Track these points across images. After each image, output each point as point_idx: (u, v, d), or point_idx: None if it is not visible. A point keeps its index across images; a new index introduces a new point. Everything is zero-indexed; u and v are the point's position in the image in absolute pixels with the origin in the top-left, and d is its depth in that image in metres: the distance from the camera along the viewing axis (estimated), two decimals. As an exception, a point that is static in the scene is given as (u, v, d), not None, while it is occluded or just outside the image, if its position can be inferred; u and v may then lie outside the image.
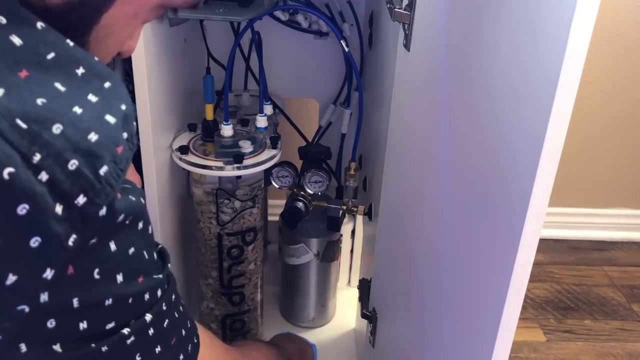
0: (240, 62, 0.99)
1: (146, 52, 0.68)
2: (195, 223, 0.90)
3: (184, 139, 0.86)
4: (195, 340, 0.46)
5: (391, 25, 0.67)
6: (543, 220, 0.30)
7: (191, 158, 0.81)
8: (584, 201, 1.66)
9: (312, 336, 1.07)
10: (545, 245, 1.63)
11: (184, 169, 0.83)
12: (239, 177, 0.85)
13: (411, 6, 0.55)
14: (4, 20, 0.29)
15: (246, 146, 0.83)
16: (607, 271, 1.54)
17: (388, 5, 0.63)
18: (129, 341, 0.37)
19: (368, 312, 0.81)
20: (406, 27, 0.57)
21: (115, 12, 0.36)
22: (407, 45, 0.58)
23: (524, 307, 0.35)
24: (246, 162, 0.81)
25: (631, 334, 1.32)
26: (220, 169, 0.80)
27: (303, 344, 0.91)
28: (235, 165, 0.80)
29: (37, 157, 0.28)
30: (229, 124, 0.85)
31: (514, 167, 0.32)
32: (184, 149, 0.82)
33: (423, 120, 0.54)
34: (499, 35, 0.36)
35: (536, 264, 0.35)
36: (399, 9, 0.58)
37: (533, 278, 1.38)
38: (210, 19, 0.92)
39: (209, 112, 0.85)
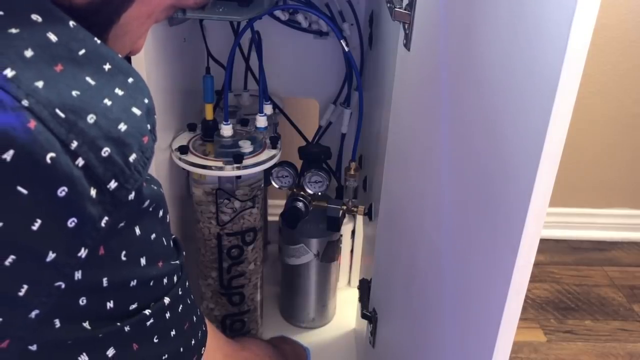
0: (240, 61, 0.98)
1: (145, 51, 0.68)
2: (195, 223, 0.90)
3: (183, 139, 0.86)
4: (204, 328, 0.48)
5: (391, 25, 0.67)
6: (544, 220, 0.30)
7: (191, 158, 0.81)
8: (584, 201, 1.66)
9: (312, 336, 1.07)
10: (546, 245, 1.63)
11: (183, 169, 0.83)
12: (238, 177, 0.84)
13: (411, 6, 0.55)
14: (40, 19, 0.31)
15: (246, 146, 0.83)
16: (608, 271, 1.54)
17: (388, 5, 0.63)
18: (148, 323, 0.39)
19: (368, 313, 0.81)
20: (406, 26, 0.57)
21: (133, 11, 0.39)
22: (407, 45, 0.58)
23: (524, 308, 0.35)
24: (246, 162, 0.81)
25: (632, 334, 1.32)
26: (220, 169, 0.80)
27: (297, 347, 0.91)
28: (235, 165, 0.80)
29: (74, 144, 0.30)
30: (229, 124, 0.84)
31: (515, 167, 0.32)
32: (183, 149, 0.82)
33: (423, 120, 0.54)
34: (499, 36, 0.36)
35: (536, 264, 0.35)
36: (399, 8, 0.57)
37: (533, 278, 1.38)
38: (210, 18, 0.92)
39: (209, 112, 0.85)
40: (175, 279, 0.42)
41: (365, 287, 0.86)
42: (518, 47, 0.33)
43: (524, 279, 0.32)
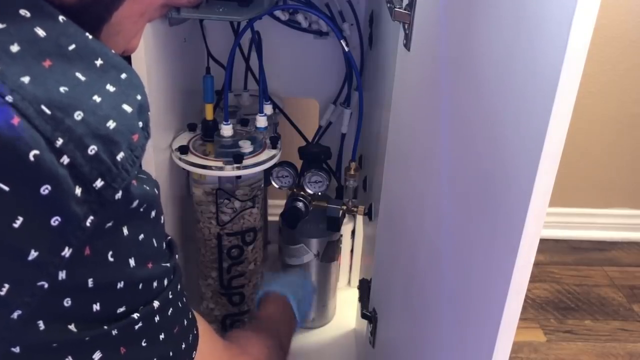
0: (240, 62, 0.98)
1: (146, 51, 0.68)
2: (195, 223, 0.90)
3: (183, 139, 0.86)
4: (195, 332, 0.47)
5: (391, 25, 0.67)
6: (543, 220, 0.30)
7: (191, 158, 0.81)
8: (584, 201, 1.66)
9: (312, 336, 1.07)
10: (545, 245, 1.63)
11: (183, 169, 0.83)
12: (238, 177, 0.85)
13: (411, 6, 0.55)
14: (28, 14, 0.31)
15: (246, 146, 0.83)
16: (608, 271, 1.54)
17: (388, 5, 0.63)
18: (137, 326, 0.38)
19: (368, 312, 0.81)
20: (406, 26, 0.57)
21: (125, 10, 0.38)
22: (407, 45, 0.58)
23: (524, 308, 0.35)
24: (246, 162, 0.81)
25: (632, 334, 1.32)
26: (220, 169, 0.80)
27: (285, 310, 0.80)
28: (235, 165, 0.80)
29: (59, 142, 0.29)
30: (229, 124, 0.84)
31: (515, 168, 0.32)
32: (183, 149, 0.82)
33: (423, 120, 0.54)
34: (499, 36, 0.36)
35: (536, 264, 0.35)
36: (399, 8, 0.57)
37: (533, 278, 1.38)
38: (210, 18, 0.92)
39: (209, 112, 0.85)
40: (165, 282, 0.41)
41: (365, 287, 0.86)
42: (518, 47, 0.33)
43: (524, 279, 0.32)
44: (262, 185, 0.91)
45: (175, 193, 0.88)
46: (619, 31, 1.44)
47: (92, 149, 0.31)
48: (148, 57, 0.69)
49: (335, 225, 0.94)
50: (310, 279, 0.93)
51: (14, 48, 0.30)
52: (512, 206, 0.32)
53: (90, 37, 0.34)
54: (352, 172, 0.93)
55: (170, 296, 0.42)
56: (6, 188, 0.28)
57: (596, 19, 0.25)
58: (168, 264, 0.42)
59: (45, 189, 0.29)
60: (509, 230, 0.32)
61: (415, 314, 0.58)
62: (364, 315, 0.82)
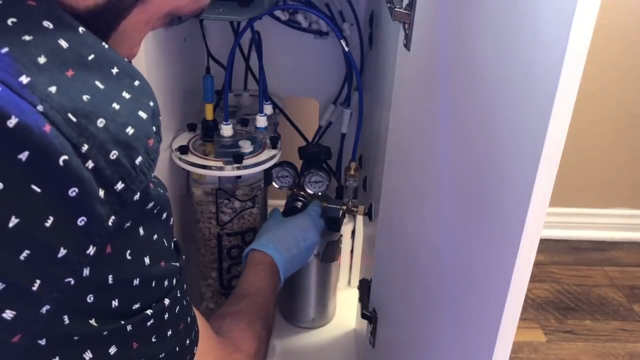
0: (240, 61, 0.98)
1: (145, 51, 0.68)
2: (195, 223, 0.90)
3: (183, 139, 0.86)
4: (196, 329, 0.49)
5: (391, 25, 0.67)
6: (544, 221, 0.30)
7: (191, 158, 0.81)
8: (584, 201, 1.66)
9: (312, 336, 1.07)
10: (545, 245, 1.63)
11: (183, 169, 0.83)
12: (238, 177, 0.84)
13: (411, 6, 0.55)
14: (51, 26, 0.33)
15: (246, 146, 0.83)
16: (608, 271, 1.54)
17: (388, 5, 0.63)
18: (149, 323, 0.40)
19: (368, 313, 0.81)
20: (406, 26, 0.57)
21: (132, 19, 0.40)
22: (407, 45, 0.58)
23: (524, 308, 0.35)
24: (246, 162, 0.81)
25: (632, 334, 1.32)
26: (220, 169, 0.80)
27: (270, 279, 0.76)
28: (235, 165, 0.80)
29: (85, 147, 0.32)
30: (229, 124, 0.84)
31: (515, 168, 0.32)
32: (183, 149, 0.82)
33: (423, 120, 0.54)
34: (499, 36, 0.36)
35: (536, 264, 0.35)
36: (399, 8, 0.57)
37: (533, 278, 1.38)
38: (210, 18, 0.92)
39: (209, 112, 0.85)
40: (174, 281, 0.44)
41: (365, 287, 0.86)
42: (518, 47, 0.33)
43: (524, 279, 0.32)
44: (262, 185, 0.91)
45: (175, 193, 0.88)
46: (619, 31, 1.44)
47: (114, 154, 0.33)
48: (148, 57, 0.69)
49: (335, 225, 0.94)
50: (312, 230, 0.85)
51: (42, 60, 0.32)
52: (512, 206, 0.32)
53: (107, 46, 0.36)
54: (352, 172, 0.93)
55: (178, 294, 0.44)
56: (38, 190, 0.30)
57: (596, 19, 0.25)
58: (177, 264, 0.44)
59: (73, 191, 0.31)
60: (509, 230, 0.32)
61: (415, 314, 0.58)
62: (364, 315, 0.82)
